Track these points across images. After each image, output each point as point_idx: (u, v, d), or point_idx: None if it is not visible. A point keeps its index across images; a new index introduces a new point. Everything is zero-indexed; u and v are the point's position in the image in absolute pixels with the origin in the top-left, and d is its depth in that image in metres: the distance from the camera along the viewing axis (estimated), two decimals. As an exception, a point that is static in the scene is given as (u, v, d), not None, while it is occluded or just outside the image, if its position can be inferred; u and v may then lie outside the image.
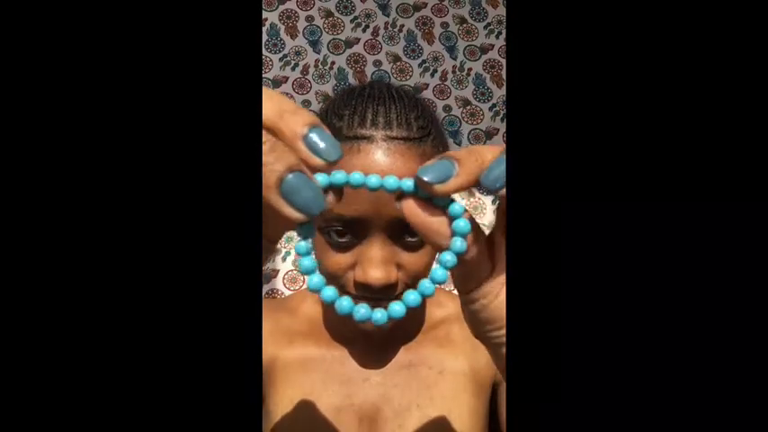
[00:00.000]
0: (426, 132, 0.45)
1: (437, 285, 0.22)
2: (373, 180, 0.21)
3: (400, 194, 0.22)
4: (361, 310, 0.22)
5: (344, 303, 0.22)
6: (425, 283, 0.22)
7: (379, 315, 0.22)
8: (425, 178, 0.21)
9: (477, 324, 0.24)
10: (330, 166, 0.20)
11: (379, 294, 0.45)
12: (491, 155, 0.21)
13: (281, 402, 0.53)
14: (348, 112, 0.45)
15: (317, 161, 0.19)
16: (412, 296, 0.22)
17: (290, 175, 0.19)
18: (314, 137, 0.19)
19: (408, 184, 0.21)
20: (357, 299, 0.46)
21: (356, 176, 0.21)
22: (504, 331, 0.23)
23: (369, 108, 0.45)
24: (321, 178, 0.20)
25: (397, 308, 0.22)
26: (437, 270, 0.22)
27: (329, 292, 0.22)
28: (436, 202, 0.22)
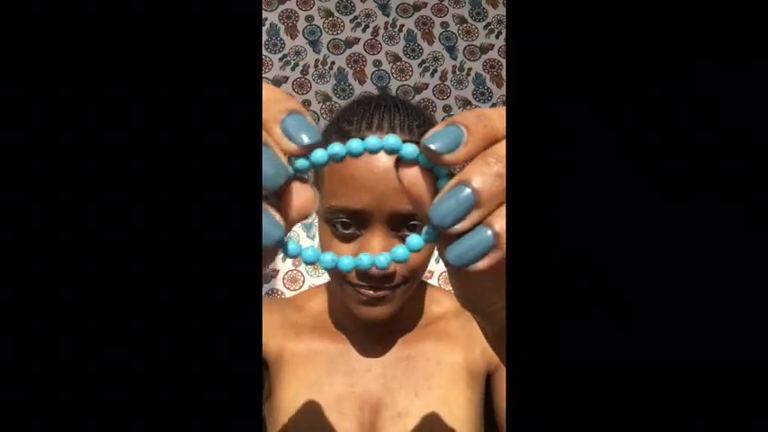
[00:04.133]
0: None
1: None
2: (372, 141, 0.20)
3: (398, 161, 0.21)
4: (364, 258, 0.22)
5: (346, 261, 0.22)
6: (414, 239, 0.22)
7: (383, 258, 0.22)
8: (433, 146, 0.19)
9: (467, 294, 0.24)
10: (304, 152, 0.19)
11: (378, 283, 0.50)
12: (500, 120, 0.20)
13: (287, 393, 0.56)
14: (356, 117, 0.51)
15: (290, 145, 0.19)
16: (400, 250, 0.22)
17: None
18: (290, 121, 0.19)
19: (408, 149, 0.20)
20: (358, 287, 0.51)
21: (354, 143, 0.20)
22: (494, 299, 0.23)
23: (375, 114, 0.50)
24: (321, 153, 0.20)
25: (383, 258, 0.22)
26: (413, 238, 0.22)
27: (327, 257, 0.22)
28: (436, 171, 0.21)
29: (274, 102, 0.20)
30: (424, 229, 0.21)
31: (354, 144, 0.20)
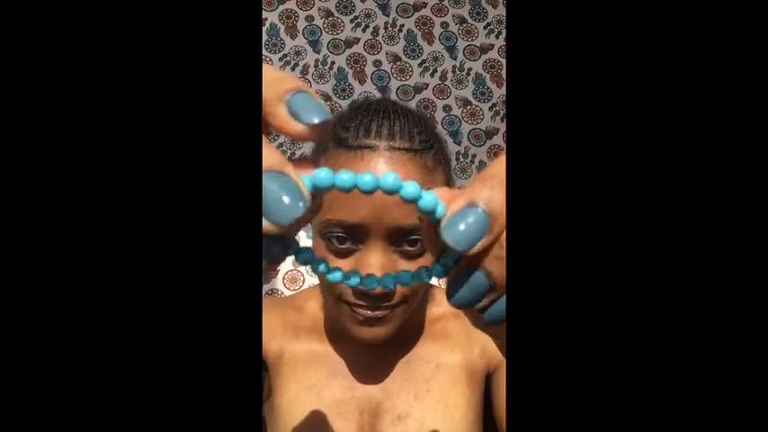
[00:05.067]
0: (428, 146, 0.47)
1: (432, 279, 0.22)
2: (368, 179, 0.18)
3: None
4: (371, 280, 0.22)
5: (354, 278, 0.22)
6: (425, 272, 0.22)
7: (388, 279, 0.22)
8: (456, 246, 0.17)
9: (482, 322, 0.22)
10: (313, 133, 0.17)
11: (376, 302, 0.47)
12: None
13: (286, 394, 0.56)
14: (354, 124, 0.47)
15: (296, 127, 0.17)
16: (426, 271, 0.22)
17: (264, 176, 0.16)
18: (296, 101, 0.17)
19: (409, 189, 0.18)
20: (354, 307, 0.47)
21: (344, 176, 0.18)
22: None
23: (374, 120, 0.46)
24: (305, 180, 0.17)
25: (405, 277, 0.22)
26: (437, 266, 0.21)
27: (336, 273, 0.22)
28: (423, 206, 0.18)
29: (277, 81, 0.18)
30: (434, 267, 0.21)
31: (343, 177, 0.18)
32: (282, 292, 1.44)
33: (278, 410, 0.56)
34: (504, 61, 1.66)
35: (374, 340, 0.49)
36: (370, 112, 0.48)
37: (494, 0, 1.69)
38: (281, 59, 1.59)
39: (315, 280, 1.44)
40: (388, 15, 1.66)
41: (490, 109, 1.61)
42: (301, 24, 1.62)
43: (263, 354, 0.59)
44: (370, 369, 0.57)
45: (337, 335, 0.59)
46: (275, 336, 0.59)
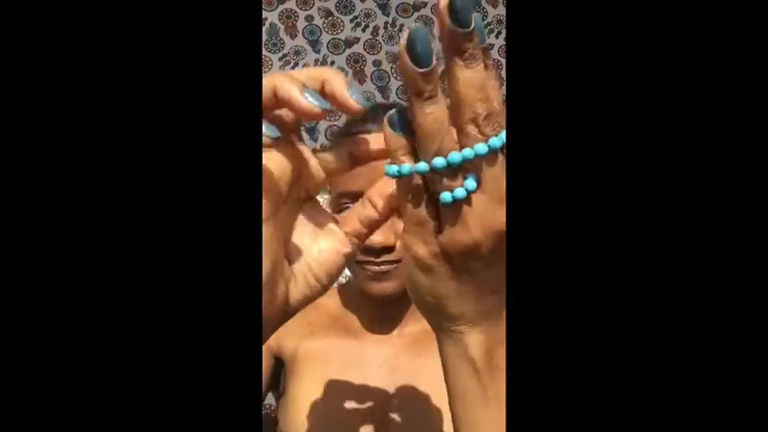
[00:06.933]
0: None
1: None
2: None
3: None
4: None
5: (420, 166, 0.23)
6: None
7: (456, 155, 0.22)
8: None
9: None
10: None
11: (379, 255, 0.54)
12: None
13: (300, 389, 0.58)
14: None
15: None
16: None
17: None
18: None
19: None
20: (364, 264, 0.55)
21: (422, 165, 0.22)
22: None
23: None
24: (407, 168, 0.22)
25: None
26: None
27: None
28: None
29: (285, 80, 0.21)
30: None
31: None
32: (282, 292, 1.44)
33: (292, 404, 0.58)
34: (504, 61, 1.66)
35: (383, 293, 0.55)
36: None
37: (494, 0, 1.69)
38: (280, 59, 1.59)
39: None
40: (387, 15, 1.66)
41: (490, 109, 1.61)
42: (301, 24, 1.62)
43: (279, 352, 0.62)
44: (382, 363, 0.59)
45: (351, 329, 0.62)
46: (290, 334, 0.62)
